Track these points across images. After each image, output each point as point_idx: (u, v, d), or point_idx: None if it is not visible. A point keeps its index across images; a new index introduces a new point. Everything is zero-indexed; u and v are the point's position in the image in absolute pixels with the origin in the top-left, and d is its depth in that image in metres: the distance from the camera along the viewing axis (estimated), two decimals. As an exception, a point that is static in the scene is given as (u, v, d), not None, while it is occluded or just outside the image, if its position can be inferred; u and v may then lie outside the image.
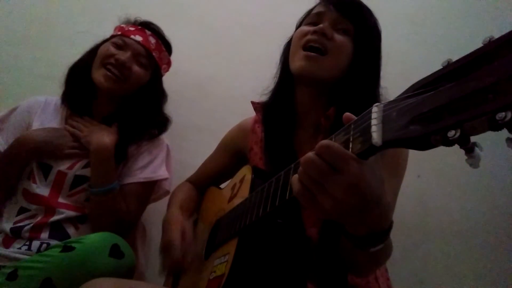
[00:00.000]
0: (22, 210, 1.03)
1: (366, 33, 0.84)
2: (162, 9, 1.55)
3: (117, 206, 1.03)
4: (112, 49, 1.11)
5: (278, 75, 0.96)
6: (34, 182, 1.04)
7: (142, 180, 1.10)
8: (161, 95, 1.22)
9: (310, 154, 0.45)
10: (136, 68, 1.12)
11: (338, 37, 0.82)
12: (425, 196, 1.48)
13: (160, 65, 1.20)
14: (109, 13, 1.29)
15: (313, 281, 0.71)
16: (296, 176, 0.48)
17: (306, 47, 0.83)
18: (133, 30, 1.16)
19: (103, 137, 1.04)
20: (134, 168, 1.12)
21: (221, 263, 0.72)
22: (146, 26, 1.19)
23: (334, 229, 0.71)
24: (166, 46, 1.23)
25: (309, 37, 0.82)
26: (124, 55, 1.10)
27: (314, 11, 0.88)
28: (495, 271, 1.41)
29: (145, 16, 1.25)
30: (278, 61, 0.97)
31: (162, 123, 1.21)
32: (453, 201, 1.48)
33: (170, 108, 1.30)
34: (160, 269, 0.86)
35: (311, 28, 0.83)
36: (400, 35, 1.60)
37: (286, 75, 0.91)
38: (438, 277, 1.41)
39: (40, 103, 1.14)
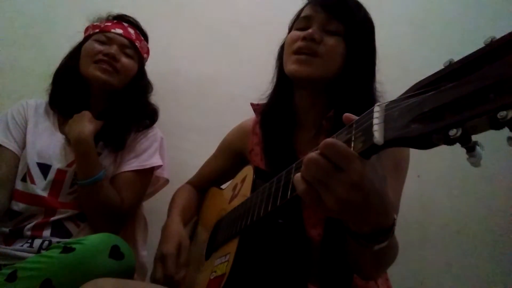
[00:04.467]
0: (14, 214, 1.02)
1: (356, 29, 0.83)
2: (161, 10, 1.55)
3: (107, 196, 1.02)
4: (98, 46, 1.11)
5: (275, 79, 0.96)
6: (33, 182, 1.03)
7: (135, 168, 1.11)
8: (148, 85, 1.24)
9: (313, 153, 0.45)
10: (124, 59, 1.13)
11: (328, 39, 0.81)
12: (425, 196, 1.48)
13: (142, 54, 1.21)
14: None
15: (316, 283, 0.71)
16: (298, 175, 0.48)
17: (297, 53, 0.82)
18: (111, 24, 1.16)
19: (82, 127, 1.03)
20: (128, 157, 1.12)
21: (222, 263, 0.73)
22: (122, 19, 1.20)
23: (337, 230, 0.71)
24: (143, 35, 1.24)
25: (298, 43, 0.82)
26: (111, 49, 1.10)
27: (303, 14, 0.88)
28: (495, 271, 1.42)
29: (144, 17, 1.26)
30: (274, 65, 0.97)
31: (152, 113, 1.23)
32: (453, 201, 1.48)
33: (170, 108, 1.30)
34: (151, 276, 0.86)
35: (300, 34, 0.83)
36: (400, 35, 1.60)
37: (282, 78, 0.92)
38: (438, 277, 1.41)
39: (31, 106, 1.15)
